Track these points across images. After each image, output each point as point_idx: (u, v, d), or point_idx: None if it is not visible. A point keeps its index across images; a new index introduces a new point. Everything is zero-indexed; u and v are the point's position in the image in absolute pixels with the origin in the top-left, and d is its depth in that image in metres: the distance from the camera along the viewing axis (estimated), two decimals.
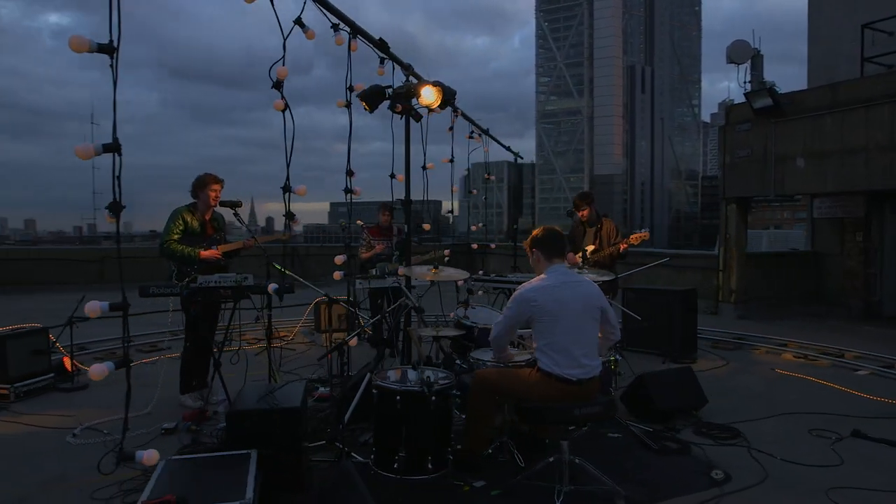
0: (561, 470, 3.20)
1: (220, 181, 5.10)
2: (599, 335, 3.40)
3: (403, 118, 4.98)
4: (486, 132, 8.29)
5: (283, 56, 3.07)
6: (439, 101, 4.84)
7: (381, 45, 4.40)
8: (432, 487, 3.34)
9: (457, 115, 6.61)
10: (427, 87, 4.72)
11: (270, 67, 3.09)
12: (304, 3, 3.31)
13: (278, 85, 3.05)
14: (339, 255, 4.25)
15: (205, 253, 4.92)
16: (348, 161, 4.09)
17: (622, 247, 5.64)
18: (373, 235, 6.98)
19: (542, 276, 3.34)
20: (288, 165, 3.16)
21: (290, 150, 3.18)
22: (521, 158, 10.72)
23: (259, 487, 2.73)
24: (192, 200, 5.08)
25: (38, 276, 12.41)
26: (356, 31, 4.00)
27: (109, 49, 2.26)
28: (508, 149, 9.31)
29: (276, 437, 3.11)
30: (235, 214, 5.07)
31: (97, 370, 2.34)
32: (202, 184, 5.03)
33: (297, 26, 3.34)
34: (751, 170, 10.14)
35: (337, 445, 3.52)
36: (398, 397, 3.27)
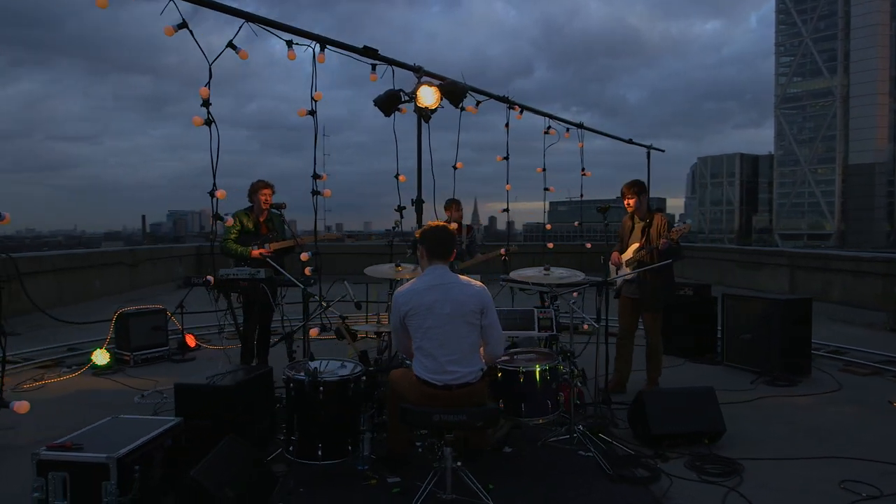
0: (444, 477, 3.10)
1: (269, 186, 5.78)
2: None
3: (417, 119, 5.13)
4: (581, 125, 7.89)
5: (209, 80, 3.48)
6: (438, 102, 4.88)
7: (366, 52, 4.61)
8: (333, 475, 3.52)
9: (514, 109, 6.46)
10: (423, 87, 4.80)
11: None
12: (239, 28, 3.68)
13: (205, 104, 3.48)
14: (304, 252, 4.56)
15: (255, 251, 5.62)
16: (314, 163, 4.36)
17: (661, 243, 4.92)
18: None
19: (417, 278, 3.25)
20: (214, 175, 3.57)
21: (216, 163, 3.58)
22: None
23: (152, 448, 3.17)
24: (249, 204, 5.84)
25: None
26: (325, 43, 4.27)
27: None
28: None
29: (211, 411, 3.57)
30: (280, 215, 5.73)
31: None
32: (255, 189, 5.76)
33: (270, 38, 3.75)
34: None
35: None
36: (291, 384, 3.48)
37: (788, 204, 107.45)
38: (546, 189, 7.15)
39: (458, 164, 5.57)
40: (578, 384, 4.75)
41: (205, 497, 2.71)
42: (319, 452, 3.40)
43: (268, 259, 5.08)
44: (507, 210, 6.44)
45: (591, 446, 3.76)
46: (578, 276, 4.23)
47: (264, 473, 3.21)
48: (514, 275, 4.25)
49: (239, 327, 5.28)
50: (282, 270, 4.78)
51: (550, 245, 8.23)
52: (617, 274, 5.18)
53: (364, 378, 3.61)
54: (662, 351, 5.26)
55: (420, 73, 5.08)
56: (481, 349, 3.29)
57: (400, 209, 5.09)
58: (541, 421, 3.73)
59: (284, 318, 5.21)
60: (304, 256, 4.57)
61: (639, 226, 5.24)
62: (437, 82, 5.05)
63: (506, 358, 3.92)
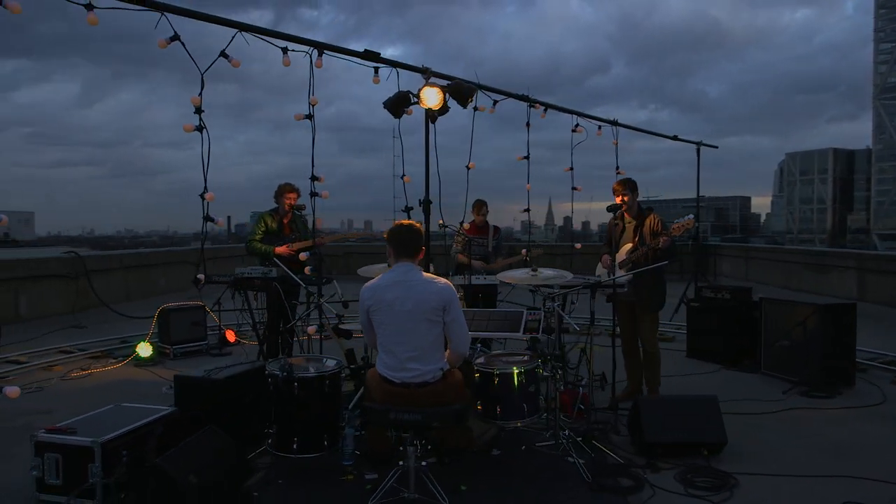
0: (407, 475, 3.12)
1: (294, 189, 6.01)
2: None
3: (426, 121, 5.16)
4: (615, 122, 7.67)
5: (202, 90, 3.66)
6: (441, 104, 4.89)
7: (367, 55, 4.68)
8: (314, 468, 3.62)
9: (535, 108, 6.37)
10: (426, 88, 4.82)
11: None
12: (232, 38, 3.84)
13: (198, 111, 3.66)
14: (304, 252, 4.68)
15: (278, 249, 5.85)
16: (312, 166, 4.47)
17: (662, 240, 4.67)
18: (470, 234, 7.11)
19: (383, 273, 3.27)
20: (205, 178, 3.74)
21: (206, 168, 3.76)
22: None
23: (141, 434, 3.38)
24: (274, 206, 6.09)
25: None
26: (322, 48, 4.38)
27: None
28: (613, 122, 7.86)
29: (205, 402, 3.76)
30: (302, 216, 5.95)
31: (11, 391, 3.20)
32: (280, 192, 6.01)
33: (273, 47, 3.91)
34: None
35: None
36: (270, 380, 3.59)
37: (888, 202, 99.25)
38: (574, 189, 7.00)
39: (471, 165, 5.55)
40: (582, 388, 4.65)
41: (168, 483, 2.86)
42: (295, 446, 3.51)
43: (275, 259, 5.26)
44: (527, 210, 6.34)
45: (573, 452, 3.65)
46: (566, 276, 4.12)
47: (239, 463, 3.34)
48: (502, 276, 4.19)
49: (257, 325, 5.50)
50: (287, 271, 4.94)
51: (578, 246, 8.03)
52: (608, 277, 5.00)
53: (344, 375, 3.67)
54: (659, 357, 5.01)
55: (428, 74, 5.12)
56: (448, 350, 3.29)
57: (407, 209, 5.14)
58: (519, 424, 3.66)
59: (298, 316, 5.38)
60: (303, 256, 4.71)
61: (630, 225, 5.00)
62: (446, 83, 5.08)
63: (481, 360, 3.89)
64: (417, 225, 3.43)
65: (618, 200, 5.07)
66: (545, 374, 3.75)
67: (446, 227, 5.21)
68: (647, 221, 4.97)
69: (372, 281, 3.34)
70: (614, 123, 7.57)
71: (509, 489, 3.40)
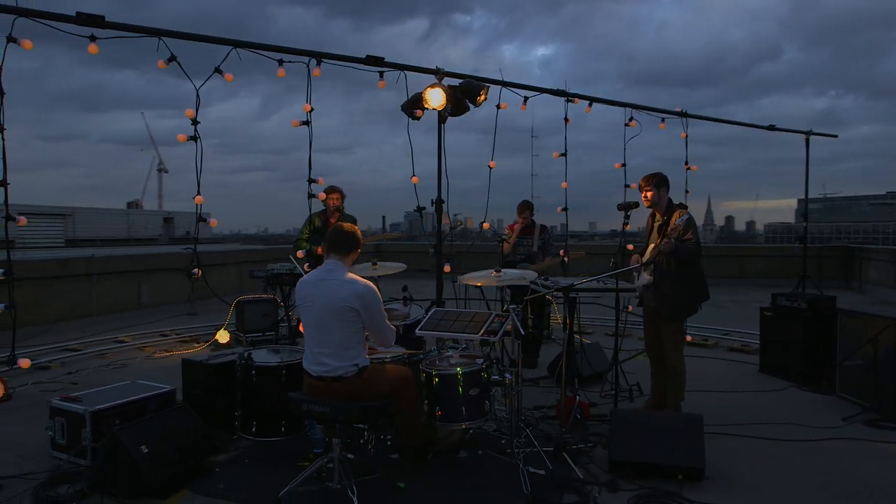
0: (334, 465, 3.23)
1: (337, 191, 6.40)
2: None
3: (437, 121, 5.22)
4: (684, 113, 7.07)
5: (198, 103, 4.08)
6: (445, 104, 4.90)
7: (370, 61, 4.84)
8: (280, 451, 3.87)
9: (575, 102, 6.09)
10: (429, 89, 4.88)
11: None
12: (227, 54, 4.21)
13: (193, 122, 4.08)
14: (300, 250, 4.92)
15: (320, 249, 6.26)
16: (309, 169, 4.72)
17: (663, 243, 4.19)
18: (519, 235, 6.99)
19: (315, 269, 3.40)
20: (198, 182, 4.15)
21: (199, 174, 4.16)
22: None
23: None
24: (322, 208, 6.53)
25: None
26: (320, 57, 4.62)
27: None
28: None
29: (204, 383, 4.20)
30: (349, 217, 6.35)
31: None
32: (324, 193, 6.42)
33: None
34: None
35: None
36: (236, 366, 3.88)
37: None
38: (627, 186, 6.59)
39: (492, 164, 5.49)
40: (580, 397, 4.41)
41: (121, 450, 3.26)
42: (254, 429, 3.77)
43: (290, 258, 5.63)
44: (565, 209, 6.09)
45: (524, 464, 3.48)
46: (531, 276, 3.92)
47: (205, 440, 3.68)
48: (467, 277, 4.10)
49: (291, 320, 5.93)
50: (300, 268, 5.27)
51: (630, 247, 7.47)
52: (637, 279, 4.62)
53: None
54: (683, 370, 4.54)
55: (440, 75, 5.17)
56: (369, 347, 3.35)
57: (419, 209, 5.23)
58: (463, 426, 3.56)
59: None
60: (300, 254, 4.99)
61: (658, 224, 4.59)
62: (456, 82, 5.10)
63: (432, 360, 3.87)
64: (354, 228, 3.54)
65: (643, 196, 4.73)
66: (495, 378, 3.62)
67: (460, 224, 5.22)
68: (673, 219, 4.57)
69: (304, 276, 3.51)
70: (682, 115, 6.97)
71: (443, 492, 3.36)
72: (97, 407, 3.71)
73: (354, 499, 3.04)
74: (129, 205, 48.19)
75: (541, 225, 6.84)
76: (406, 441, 3.66)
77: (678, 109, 7.01)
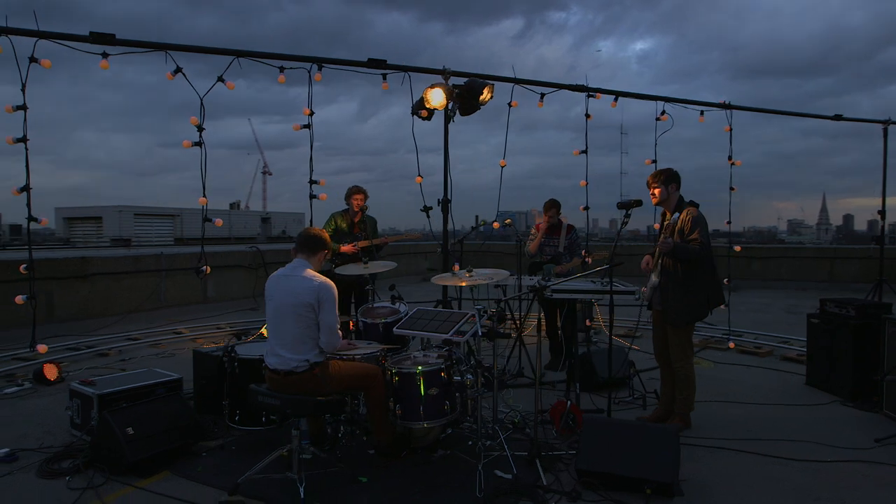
0: (294, 457, 3.36)
1: (361, 192, 6.56)
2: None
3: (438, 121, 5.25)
4: (728, 105, 6.62)
5: (202, 113, 4.36)
6: (445, 103, 4.91)
7: (372, 64, 4.93)
8: (265, 440, 4.03)
9: (596, 97, 5.88)
10: (430, 90, 4.91)
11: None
12: (230, 63, 4.45)
13: (199, 129, 4.37)
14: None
15: (344, 247, 6.46)
16: (311, 171, 4.88)
17: (660, 242, 3.97)
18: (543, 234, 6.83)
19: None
20: (203, 186, 4.42)
21: (204, 176, 4.42)
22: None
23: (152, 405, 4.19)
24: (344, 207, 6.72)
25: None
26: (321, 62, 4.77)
27: None
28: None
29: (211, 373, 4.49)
30: (371, 217, 6.51)
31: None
32: (349, 194, 6.61)
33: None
34: None
35: None
36: (221, 358, 4.08)
37: None
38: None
39: (502, 162, 5.43)
40: (572, 402, 4.29)
41: (109, 431, 3.57)
42: (237, 418, 3.98)
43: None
44: (587, 208, 5.90)
45: (480, 466, 3.42)
46: (502, 273, 3.83)
47: (194, 426, 3.94)
48: (436, 279, 4.05)
49: None
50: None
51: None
52: (648, 282, 4.41)
53: None
54: (692, 377, 4.27)
55: (447, 75, 5.19)
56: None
57: (426, 209, 5.27)
58: (425, 425, 3.55)
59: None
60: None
61: (667, 223, 4.35)
62: (462, 81, 5.10)
63: (396, 358, 3.89)
64: (322, 231, 3.69)
65: (651, 191, 4.53)
66: (457, 378, 3.59)
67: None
68: (681, 219, 4.34)
69: (274, 272, 3.67)
70: (726, 107, 6.53)
71: (398, 489, 3.39)
72: (105, 391, 4.08)
73: (301, 489, 3.16)
74: (231, 206, 51.65)
75: (568, 224, 6.65)
76: (377, 436, 3.73)
77: (721, 101, 6.57)
